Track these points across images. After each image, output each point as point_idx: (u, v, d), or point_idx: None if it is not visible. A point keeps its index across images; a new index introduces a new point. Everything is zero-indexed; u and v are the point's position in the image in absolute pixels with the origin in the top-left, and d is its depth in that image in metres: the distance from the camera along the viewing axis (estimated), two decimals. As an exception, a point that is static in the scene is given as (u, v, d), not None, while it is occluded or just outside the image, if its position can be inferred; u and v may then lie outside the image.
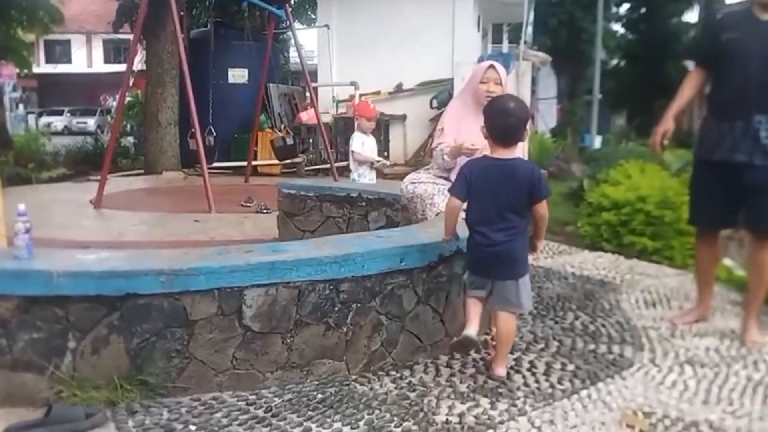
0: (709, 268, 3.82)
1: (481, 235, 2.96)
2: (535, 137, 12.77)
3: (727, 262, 4.81)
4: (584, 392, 2.88)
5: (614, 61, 24.88)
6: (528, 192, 2.93)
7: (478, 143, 3.51)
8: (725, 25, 3.60)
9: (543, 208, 3.00)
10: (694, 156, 3.72)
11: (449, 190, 3.16)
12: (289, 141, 10.86)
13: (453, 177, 3.92)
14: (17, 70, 17.39)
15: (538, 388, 2.91)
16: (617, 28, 24.43)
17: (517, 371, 3.10)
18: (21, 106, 27.16)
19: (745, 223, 3.60)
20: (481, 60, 12.27)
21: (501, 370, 3.03)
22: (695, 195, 3.72)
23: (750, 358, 3.28)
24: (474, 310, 3.03)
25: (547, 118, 19.29)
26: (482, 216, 2.97)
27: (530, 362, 3.20)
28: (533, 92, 16.48)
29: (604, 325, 3.76)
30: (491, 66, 3.92)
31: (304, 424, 2.52)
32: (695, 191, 3.72)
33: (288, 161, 11.27)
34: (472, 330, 2.96)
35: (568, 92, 22.06)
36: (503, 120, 2.99)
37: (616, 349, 3.40)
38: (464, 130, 3.85)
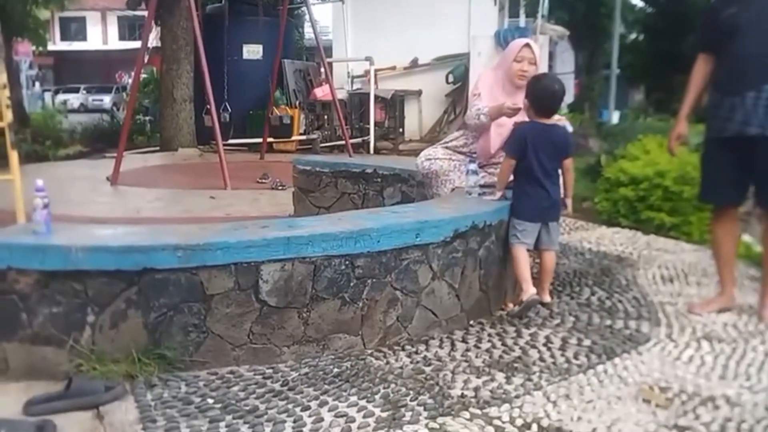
0: (728, 249, 3.62)
1: (543, 188, 3.55)
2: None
3: (746, 237, 4.76)
4: (600, 367, 2.87)
5: (633, 36, 24.49)
6: (564, 149, 3.63)
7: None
8: (721, 4, 3.52)
9: (570, 163, 3.69)
10: (706, 134, 3.58)
11: (505, 150, 3.67)
12: (286, 120, 10.81)
13: (480, 142, 3.93)
14: (33, 48, 17.41)
15: (554, 363, 2.91)
16: (636, 1, 24.02)
17: (533, 346, 3.09)
18: (37, 83, 27.27)
19: (757, 199, 3.54)
20: (497, 35, 12.19)
21: (548, 297, 3.65)
22: (708, 173, 3.59)
23: (770, 333, 3.26)
24: (527, 265, 3.55)
25: (564, 93, 19.06)
26: (543, 171, 3.54)
27: (546, 337, 3.20)
28: (550, 67, 16.28)
29: (620, 301, 3.75)
30: (526, 45, 3.88)
31: (321, 397, 2.54)
32: (708, 169, 3.59)
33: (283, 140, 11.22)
34: (534, 289, 3.47)
35: (586, 67, 21.75)
36: (551, 99, 3.58)
37: (632, 324, 3.38)
38: (495, 102, 3.82)
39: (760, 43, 3.31)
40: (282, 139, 11.40)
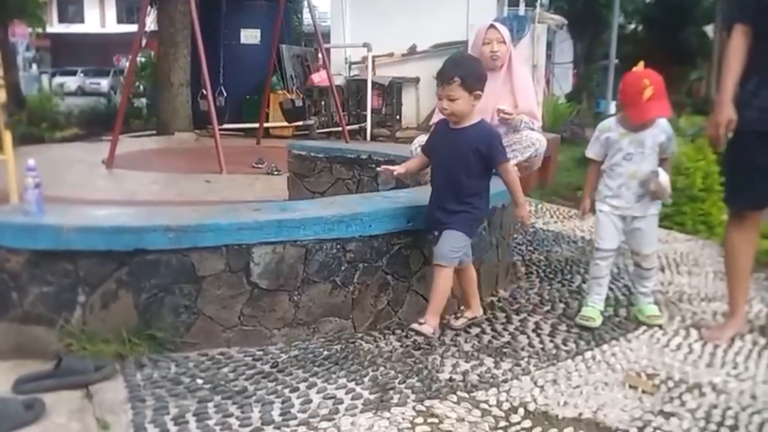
0: (745, 262, 3.13)
1: None
2: (550, 101, 12.65)
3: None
4: (588, 353, 2.89)
5: (632, 26, 24.48)
6: None
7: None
8: None
9: None
10: (739, 127, 2.90)
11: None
12: (298, 103, 10.87)
13: None
14: (30, 30, 17.32)
15: (543, 349, 2.92)
16: (635, -9, 23.99)
17: (522, 332, 3.11)
18: (34, 65, 27.14)
19: None
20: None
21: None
22: (738, 171, 3.05)
23: (757, 323, 3.27)
24: None
25: (562, 82, 19.06)
26: None
27: (536, 323, 3.22)
28: (549, 56, 16.27)
29: (611, 289, 3.74)
30: (491, 26, 4.00)
31: (310, 379, 2.56)
32: (738, 167, 3.05)
33: (299, 123, 11.28)
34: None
35: (585, 57, 21.76)
36: None
37: (622, 312, 3.40)
38: None
39: None
40: (298, 122, 11.34)
